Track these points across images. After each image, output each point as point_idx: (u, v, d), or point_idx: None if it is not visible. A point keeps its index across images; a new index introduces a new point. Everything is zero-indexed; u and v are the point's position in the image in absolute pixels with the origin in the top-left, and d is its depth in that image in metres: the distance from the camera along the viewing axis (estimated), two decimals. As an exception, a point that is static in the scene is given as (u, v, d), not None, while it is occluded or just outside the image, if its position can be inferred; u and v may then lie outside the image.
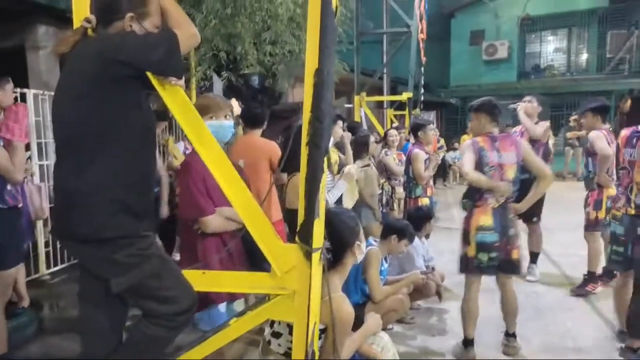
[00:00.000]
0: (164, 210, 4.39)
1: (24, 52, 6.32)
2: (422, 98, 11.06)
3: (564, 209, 6.68)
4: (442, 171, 12.86)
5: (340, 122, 4.72)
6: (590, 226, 4.34)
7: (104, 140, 1.57)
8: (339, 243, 1.98)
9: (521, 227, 3.47)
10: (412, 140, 5.57)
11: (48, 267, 5.07)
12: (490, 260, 3.08)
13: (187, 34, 1.67)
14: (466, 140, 8.80)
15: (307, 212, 1.66)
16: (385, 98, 10.66)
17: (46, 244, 4.80)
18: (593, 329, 3.65)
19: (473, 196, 3.15)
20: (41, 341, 3.51)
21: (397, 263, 3.96)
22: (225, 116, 2.55)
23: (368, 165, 4.89)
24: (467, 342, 3.21)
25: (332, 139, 4.54)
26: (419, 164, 4.67)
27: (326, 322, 1.81)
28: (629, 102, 15.50)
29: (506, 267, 3.13)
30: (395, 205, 5.37)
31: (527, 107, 4.82)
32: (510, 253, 3.10)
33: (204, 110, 2.45)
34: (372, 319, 2.24)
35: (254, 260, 2.27)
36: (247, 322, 1.75)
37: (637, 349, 3.11)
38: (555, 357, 3.23)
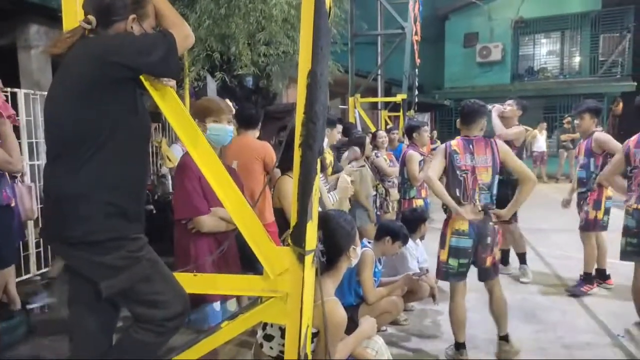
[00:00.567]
0: None
1: (16, 51, 6.26)
2: (417, 99, 11.07)
3: (559, 211, 6.70)
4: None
5: (340, 127, 4.71)
6: (589, 226, 4.35)
7: (99, 142, 1.55)
8: (334, 246, 1.97)
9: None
10: (406, 141, 5.57)
11: (39, 267, 5.02)
12: (460, 266, 3.09)
13: (182, 34, 1.66)
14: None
15: (300, 214, 1.65)
16: (380, 99, 10.67)
17: (37, 245, 4.75)
18: (587, 330, 3.66)
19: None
20: (31, 342, 3.48)
21: (391, 265, 3.96)
22: (228, 121, 2.54)
23: (363, 166, 4.88)
24: (459, 346, 3.21)
25: (326, 141, 4.54)
26: (414, 165, 4.67)
27: (319, 325, 1.80)
28: (620, 104, 15.63)
29: (480, 273, 3.17)
30: (390, 208, 5.36)
31: (505, 110, 4.81)
32: (485, 261, 3.09)
33: (207, 112, 2.44)
34: (367, 322, 2.23)
35: (247, 261, 2.26)
36: (239, 325, 1.74)
37: None
38: (549, 357, 3.24)
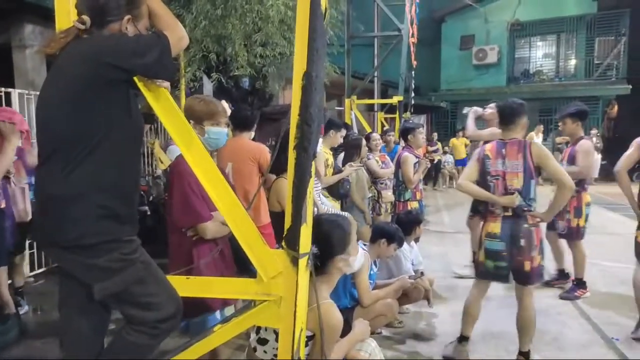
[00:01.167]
0: None
1: (10, 50, 6.22)
2: (413, 101, 11.10)
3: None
4: (434, 174, 12.91)
5: (344, 131, 4.70)
6: (573, 235, 4.36)
7: (92, 144, 1.53)
8: (326, 251, 1.95)
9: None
10: (402, 143, 5.56)
11: (32, 269, 4.99)
12: (497, 268, 3.03)
13: (177, 36, 1.65)
14: (455, 143, 8.73)
15: (294, 217, 1.64)
16: (376, 101, 10.68)
17: (30, 246, 4.72)
18: (582, 332, 3.66)
19: (482, 204, 3.11)
20: (24, 344, 3.45)
21: (386, 267, 3.95)
22: (225, 124, 2.52)
23: (360, 167, 4.89)
24: (462, 338, 3.21)
25: (324, 143, 4.54)
26: (409, 167, 4.66)
27: (314, 329, 1.78)
28: (615, 107, 15.70)
29: (518, 277, 3.03)
30: (382, 210, 5.36)
31: (485, 113, 4.87)
32: (522, 264, 2.95)
33: (210, 116, 2.42)
34: (360, 324, 2.22)
35: (242, 263, 2.24)
36: (232, 329, 1.72)
37: None
38: (544, 359, 3.24)
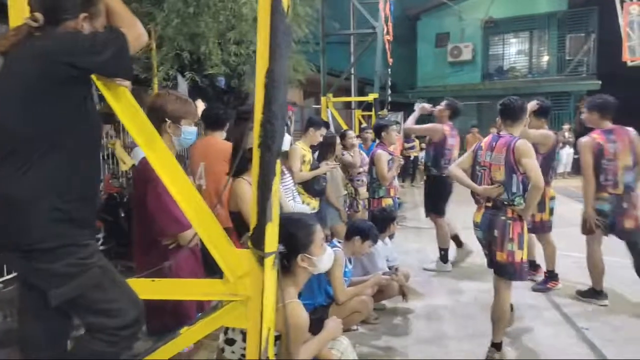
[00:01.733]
0: None
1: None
2: (390, 99, 11.15)
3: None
4: (413, 171, 13.02)
5: (324, 129, 4.70)
6: (539, 229, 4.45)
7: (46, 145, 1.49)
8: (291, 249, 1.94)
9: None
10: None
11: (0, 275, 4.84)
12: (484, 255, 3.27)
13: (135, 33, 1.62)
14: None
15: (259, 216, 1.62)
16: (352, 99, 10.71)
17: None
18: (554, 323, 3.74)
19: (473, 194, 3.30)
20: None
21: (361, 264, 3.96)
22: (196, 123, 2.49)
23: (336, 165, 4.89)
24: (498, 346, 3.15)
25: (303, 140, 4.53)
26: (382, 164, 4.69)
27: (281, 328, 1.77)
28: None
29: (491, 265, 3.16)
30: (359, 207, 5.37)
31: (434, 110, 5.21)
32: (494, 253, 3.08)
33: (188, 114, 2.37)
34: (332, 323, 2.21)
35: (211, 264, 2.20)
36: (198, 330, 1.70)
37: None
38: (517, 348, 3.29)
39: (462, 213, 4.74)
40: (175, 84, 7.20)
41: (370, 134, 7.36)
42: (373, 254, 3.93)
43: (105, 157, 5.77)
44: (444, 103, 5.15)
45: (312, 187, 4.52)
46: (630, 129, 4.00)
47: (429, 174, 5.17)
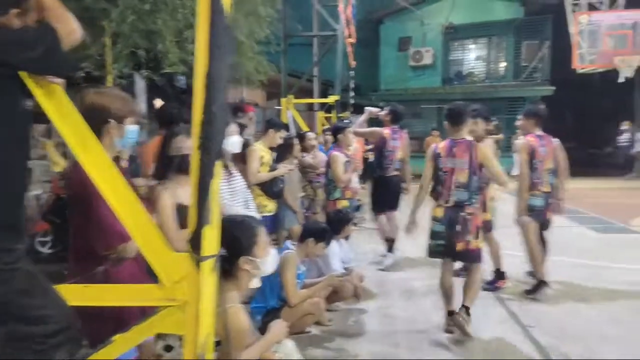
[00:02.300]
0: None
1: None
2: (353, 101, 11.24)
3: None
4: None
5: (283, 131, 4.69)
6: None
7: None
8: (233, 252, 1.92)
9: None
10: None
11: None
12: (437, 246, 3.59)
13: (68, 29, 1.55)
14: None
15: (197, 218, 1.59)
16: (313, 100, 10.74)
17: None
18: (501, 321, 3.86)
19: (433, 194, 3.62)
20: None
21: (316, 266, 3.97)
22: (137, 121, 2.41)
23: (293, 169, 4.88)
24: (449, 313, 3.60)
25: (262, 142, 4.49)
26: (339, 166, 4.71)
27: (221, 334, 1.75)
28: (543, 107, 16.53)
29: (454, 255, 3.61)
30: (318, 209, 5.38)
31: (379, 114, 5.67)
32: (455, 245, 3.50)
33: (131, 113, 2.29)
34: (276, 326, 2.20)
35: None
36: (132, 337, 1.64)
37: None
38: (464, 349, 3.37)
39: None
40: (130, 82, 7.01)
41: (331, 136, 7.39)
42: (328, 256, 3.94)
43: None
44: (387, 108, 5.55)
45: (270, 188, 4.50)
46: (555, 139, 4.51)
47: (373, 175, 5.66)
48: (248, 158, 4.30)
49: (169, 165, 2.36)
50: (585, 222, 7.83)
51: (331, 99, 9.15)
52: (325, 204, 5.05)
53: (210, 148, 1.60)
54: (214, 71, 1.59)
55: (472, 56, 17.76)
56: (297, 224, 4.89)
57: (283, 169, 4.53)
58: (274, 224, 4.64)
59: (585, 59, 13.06)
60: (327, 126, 9.47)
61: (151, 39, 6.36)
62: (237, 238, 1.94)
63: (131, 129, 2.31)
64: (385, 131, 5.35)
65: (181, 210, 2.28)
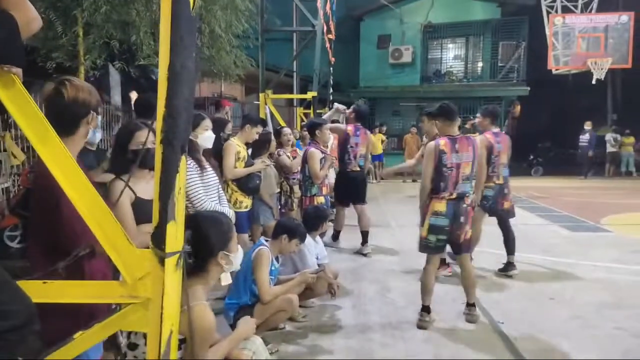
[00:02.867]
0: None
1: None
2: (331, 97, 11.23)
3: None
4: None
5: (260, 127, 4.64)
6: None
7: None
8: (204, 249, 1.88)
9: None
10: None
11: None
12: (438, 241, 3.64)
13: (27, 17, 1.49)
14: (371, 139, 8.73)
15: (160, 214, 1.55)
16: (291, 96, 10.71)
17: None
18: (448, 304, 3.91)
19: (432, 190, 3.66)
20: None
21: (291, 262, 3.95)
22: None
23: (270, 164, 4.84)
24: (424, 309, 3.70)
25: (239, 137, 4.44)
26: (315, 162, 4.70)
27: (184, 331, 1.71)
28: (518, 107, 16.88)
29: (456, 248, 3.75)
30: (294, 205, 5.36)
31: (346, 111, 6.05)
32: (459, 237, 3.64)
33: (97, 104, 2.21)
34: (244, 323, 2.18)
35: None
36: (94, 335, 1.60)
37: None
38: (435, 343, 3.40)
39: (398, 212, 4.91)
40: (103, 73, 6.85)
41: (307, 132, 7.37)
42: (303, 252, 3.92)
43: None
44: (352, 107, 5.91)
45: (245, 184, 4.45)
46: (508, 137, 4.95)
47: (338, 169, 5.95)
48: (224, 153, 4.25)
49: (128, 159, 2.30)
50: (558, 220, 8.01)
51: (309, 95, 9.12)
52: (301, 200, 5.02)
53: (173, 141, 1.56)
54: (177, 64, 1.55)
55: (450, 55, 17.93)
56: (272, 220, 4.86)
57: (260, 164, 4.49)
58: (249, 220, 4.60)
59: (559, 61, 13.34)
60: (305, 122, 9.45)
61: (125, 30, 6.24)
62: (215, 233, 1.91)
63: (97, 121, 2.24)
64: (349, 128, 5.67)
65: (141, 205, 2.23)
